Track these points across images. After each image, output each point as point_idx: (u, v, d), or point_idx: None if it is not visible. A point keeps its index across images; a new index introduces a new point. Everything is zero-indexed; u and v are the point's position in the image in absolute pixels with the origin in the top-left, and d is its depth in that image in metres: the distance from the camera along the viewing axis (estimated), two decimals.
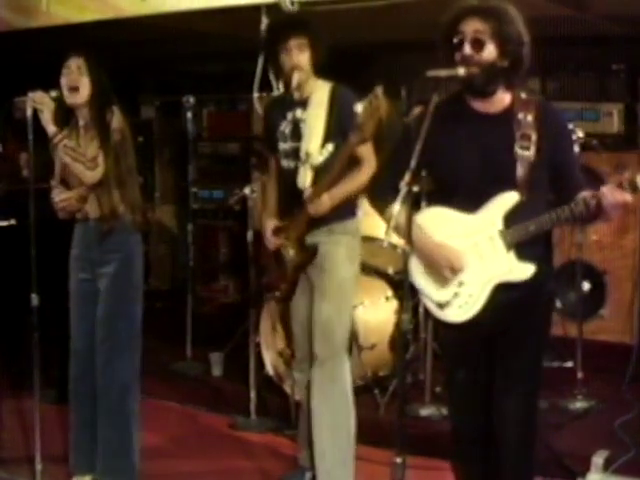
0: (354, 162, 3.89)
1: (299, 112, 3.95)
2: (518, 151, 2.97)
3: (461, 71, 2.97)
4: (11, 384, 5.09)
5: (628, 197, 2.84)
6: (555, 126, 3.04)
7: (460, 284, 3.09)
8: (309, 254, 3.95)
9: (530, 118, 2.99)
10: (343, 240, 3.98)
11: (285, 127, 4.00)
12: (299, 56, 3.86)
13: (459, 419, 3.35)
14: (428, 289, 3.18)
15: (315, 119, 3.89)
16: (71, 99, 3.88)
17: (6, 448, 4.26)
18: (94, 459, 4.04)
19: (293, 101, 3.98)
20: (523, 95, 3.06)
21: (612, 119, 6.08)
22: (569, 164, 3.06)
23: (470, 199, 3.05)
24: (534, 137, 2.97)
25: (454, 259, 3.07)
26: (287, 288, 4.04)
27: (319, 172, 3.87)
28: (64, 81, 3.88)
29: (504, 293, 3.04)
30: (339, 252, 3.96)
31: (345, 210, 3.95)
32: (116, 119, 3.87)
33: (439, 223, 3.14)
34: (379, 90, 3.53)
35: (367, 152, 3.88)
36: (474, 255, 3.07)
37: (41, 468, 3.98)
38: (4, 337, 5.30)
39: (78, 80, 3.87)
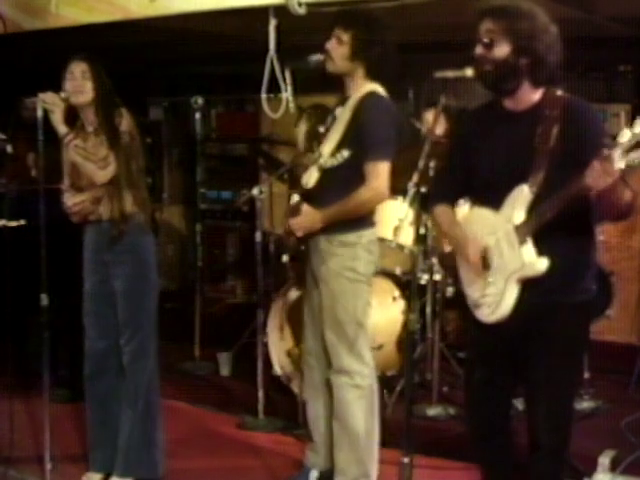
0: (362, 180, 3.72)
1: (338, 111, 3.87)
2: (536, 147, 2.94)
3: (469, 72, 2.99)
4: (21, 384, 5.10)
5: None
6: (577, 121, 2.95)
7: (487, 283, 3.06)
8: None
9: (555, 114, 2.94)
10: (341, 252, 3.81)
11: (327, 123, 3.93)
12: (335, 46, 3.76)
13: (474, 418, 3.35)
14: (466, 288, 3.19)
15: (340, 122, 3.79)
16: (76, 102, 3.89)
17: (16, 447, 4.27)
18: (110, 458, 4.07)
19: (342, 100, 3.89)
20: (559, 92, 3.01)
21: (620, 120, 6.07)
22: (588, 159, 2.92)
23: (496, 197, 3.03)
24: (554, 132, 2.92)
25: (477, 258, 3.07)
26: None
27: (325, 175, 3.81)
28: (68, 86, 3.89)
29: (529, 293, 2.98)
30: (334, 264, 3.81)
31: (346, 223, 3.77)
32: (125, 121, 3.89)
33: (474, 222, 3.16)
34: None
35: (374, 170, 3.69)
36: (496, 253, 3.03)
37: (51, 467, 4.00)
38: (14, 337, 5.32)
39: (83, 85, 3.88)
